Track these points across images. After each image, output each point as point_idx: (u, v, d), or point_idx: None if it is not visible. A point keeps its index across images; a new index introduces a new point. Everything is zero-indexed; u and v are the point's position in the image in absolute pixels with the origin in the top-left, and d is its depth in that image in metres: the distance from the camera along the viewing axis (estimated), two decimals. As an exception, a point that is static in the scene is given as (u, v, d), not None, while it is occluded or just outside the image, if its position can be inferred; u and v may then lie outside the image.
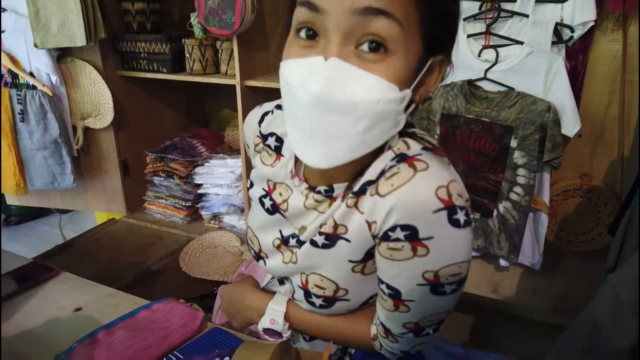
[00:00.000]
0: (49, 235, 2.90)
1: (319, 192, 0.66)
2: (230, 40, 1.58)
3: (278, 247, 0.73)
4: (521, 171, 1.32)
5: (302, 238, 0.69)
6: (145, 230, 1.94)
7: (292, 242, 0.70)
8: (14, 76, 1.66)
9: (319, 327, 0.73)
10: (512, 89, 1.31)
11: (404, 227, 0.56)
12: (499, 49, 1.32)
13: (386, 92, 0.54)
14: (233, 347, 0.65)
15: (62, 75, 1.71)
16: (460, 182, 0.58)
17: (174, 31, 1.77)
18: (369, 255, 0.64)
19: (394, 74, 0.54)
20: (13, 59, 1.65)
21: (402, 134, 0.62)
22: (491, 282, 1.65)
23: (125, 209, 1.96)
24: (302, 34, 0.56)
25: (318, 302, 0.69)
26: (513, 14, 1.29)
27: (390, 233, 0.57)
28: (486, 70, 1.34)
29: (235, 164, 1.82)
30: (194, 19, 1.65)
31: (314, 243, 0.66)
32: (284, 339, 0.74)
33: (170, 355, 0.73)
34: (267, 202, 0.73)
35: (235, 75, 1.59)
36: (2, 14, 1.61)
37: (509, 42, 1.30)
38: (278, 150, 0.73)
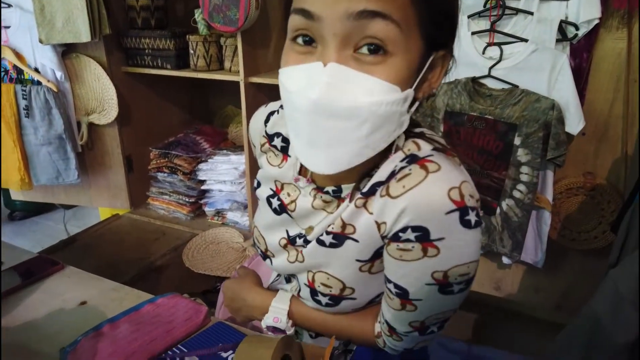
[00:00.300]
0: (53, 230, 2.92)
1: (327, 193, 0.66)
2: (234, 37, 1.58)
3: (284, 247, 0.73)
4: (524, 169, 1.32)
5: (309, 238, 0.68)
6: (148, 226, 1.94)
7: (299, 241, 0.70)
8: (19, 72, 1.67)
9: (322, 325, 0.73)
10: (516, 86, 1.31)
11: (415, 229, 0.56)
12: (504, 47, 1.31)
13: (388, 93, 0.53)
14: (236, 341, 0.66)
15: (66, 71, 1.71)
16: (471, 183, 0.58)
17: (178, 27, 1.77)
18: (377, 255, 0.63)
19: (395, 75, 0.53)
20: (18, 55, 1.66)
21: (410, 134, 0.62)
22: (494, 280, 1.65)
23: (129, 205, 1.97)
24: (299, 40, 0.55)
25: (324, 300, 0.69)
26: (518, 11, 1.28)
27: (400, 234, 0.57)
28: (490, 68, 1.33)
29: (238, 161, 1.82)
30: (198, 15, 1.65)
31: (321, 242, 0.66)
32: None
33: (174, 348, 0.74)
34: (275, 202, 0.73)
35: (239, 71, 1.59)
36: (8, 9, 1.62)
37: (514, 40, 1.30)
38: (285, 150, 0.73)
